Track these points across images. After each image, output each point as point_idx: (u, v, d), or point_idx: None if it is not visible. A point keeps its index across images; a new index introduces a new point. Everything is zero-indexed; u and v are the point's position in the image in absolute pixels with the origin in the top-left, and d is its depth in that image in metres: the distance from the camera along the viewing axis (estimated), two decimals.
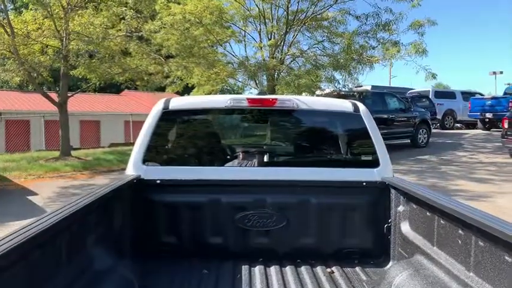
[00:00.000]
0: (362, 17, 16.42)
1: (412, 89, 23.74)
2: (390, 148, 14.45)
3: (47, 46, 13.57)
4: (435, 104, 20.10)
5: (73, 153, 14.50)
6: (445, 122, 21.99)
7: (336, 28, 17.26)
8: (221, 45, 19.07)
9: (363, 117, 3.16)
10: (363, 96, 15.18)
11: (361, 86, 20.47)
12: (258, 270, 3.01)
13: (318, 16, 16.92)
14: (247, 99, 3.24)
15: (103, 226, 2.73)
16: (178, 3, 16.52)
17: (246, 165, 3.35)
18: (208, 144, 3.51)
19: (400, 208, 2.96)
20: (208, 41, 17.80)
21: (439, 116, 20.90)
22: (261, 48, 17.69)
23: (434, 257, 2.45)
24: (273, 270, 3.01)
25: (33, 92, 21.88)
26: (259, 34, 18.27)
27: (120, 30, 14.44)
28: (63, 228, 2.08)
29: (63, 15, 12.90)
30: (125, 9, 13.46)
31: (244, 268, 3.03)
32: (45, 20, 13.02)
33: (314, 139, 3.50)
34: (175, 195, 3.22)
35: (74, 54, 13.58)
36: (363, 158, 3.20)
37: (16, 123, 21.12)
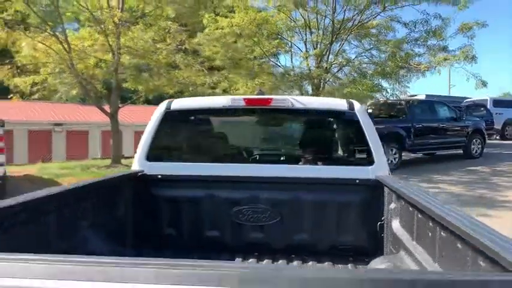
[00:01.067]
0: (410, 24, 16.06)
1: (470, 98, 22.66)
2: (441, 158, 13.79)
3: (100, 60, 14.44)
4: (493, 113, 19.01)
5: (125, 161, 15.21)
6: (505, 132, 20.69)
7: (384, 36, 16.96)
8: (267, 56, 19.32)
9: (358, 115, 3.12)
10: (409, 105, 14.73)
11: (415, 96, 19.83)
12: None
13: (365, 24, 16.72)
14: (244, 99, 3.31)
15: (103, 215, 2.90)
16: (226, 17, 16.99)
17: (241, 162, 3.42)
18: (208, 142, 3.62)
19: (392, 206, 2.89)
20: (254, 53, 18.13)
21: (497, 126, 19.72)
22: (307, 58, 17.72)
23: (413, 251, 2.38)
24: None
25: (92, 105, 23.30)
26: (305, 44, 18.33)
27: (169, 44, 15.07)
28: (51, 205, 2.23)
29: (115, 31, 13.69)
30: (170, 23, 14.05)
31: (238, 262, 3.07)
32: (98, 36, 13.87)
33: (309, 137, 3.50)
34: (175, 190, 3.35)
35: (124, 68, 14.33)
36: (357, 155, 3.14)
37: (76, 134, 22.58)
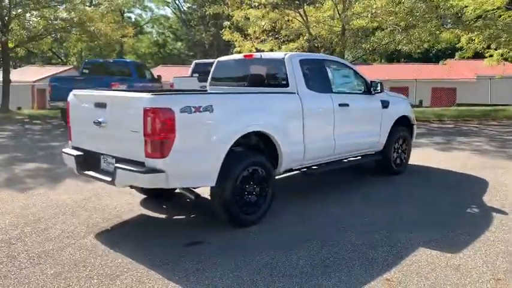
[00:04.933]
0: None
1: None
2: None
3: (331, 27, 17.85)
4: None
5: None
6: None
7: None
8: None
9: (285, 62, 5.59)
10: None
11: None
12: None
13: None
14: (244, 55, 6.41)
15: None
16: None
17: (241, 85, 6.25)
18: (232, 76, 6.60)
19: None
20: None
21: None
22: None
23: None
24: None
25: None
26: None
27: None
28: None
29: (343, 2, 16.79)
30: None
31: None
32: (332, 6, 17.32)
33: (267, 72, 6.06)
34: None
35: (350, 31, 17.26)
36: (282, 82, 5.63)
37: None
